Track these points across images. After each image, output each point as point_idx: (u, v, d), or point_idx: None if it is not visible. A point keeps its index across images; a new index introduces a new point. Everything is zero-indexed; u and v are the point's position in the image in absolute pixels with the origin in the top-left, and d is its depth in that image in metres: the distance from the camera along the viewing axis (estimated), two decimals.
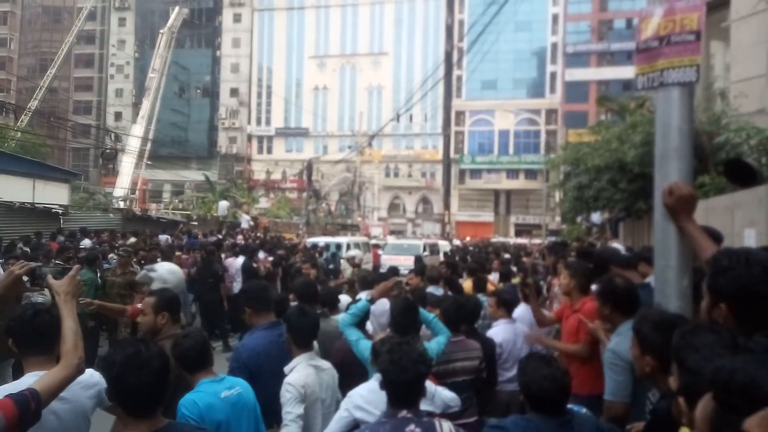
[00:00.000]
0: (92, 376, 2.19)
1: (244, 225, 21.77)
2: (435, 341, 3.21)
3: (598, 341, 3.41)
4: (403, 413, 2.15)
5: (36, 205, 16.65)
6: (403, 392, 2.17)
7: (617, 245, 10.39)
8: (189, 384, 2.48)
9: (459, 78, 50.67)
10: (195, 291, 9.63)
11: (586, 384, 3.43)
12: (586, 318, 3.56)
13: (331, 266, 14.28)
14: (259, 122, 56.66)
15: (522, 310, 4.65)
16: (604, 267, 4.13)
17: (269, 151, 56.06)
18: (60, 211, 17.40)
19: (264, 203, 42.69)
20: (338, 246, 15.86)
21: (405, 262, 12.63)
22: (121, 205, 27.57)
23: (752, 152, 9.34)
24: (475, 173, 51.55)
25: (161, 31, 34.50)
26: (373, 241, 22.79)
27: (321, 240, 17.22)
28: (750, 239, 5.44)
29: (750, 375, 0.85)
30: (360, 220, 40.82)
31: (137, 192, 32.17)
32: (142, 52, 55.17)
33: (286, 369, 2.87)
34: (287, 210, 38.34)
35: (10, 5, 56.61)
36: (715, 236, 2.58)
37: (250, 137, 56.24)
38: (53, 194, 19.13)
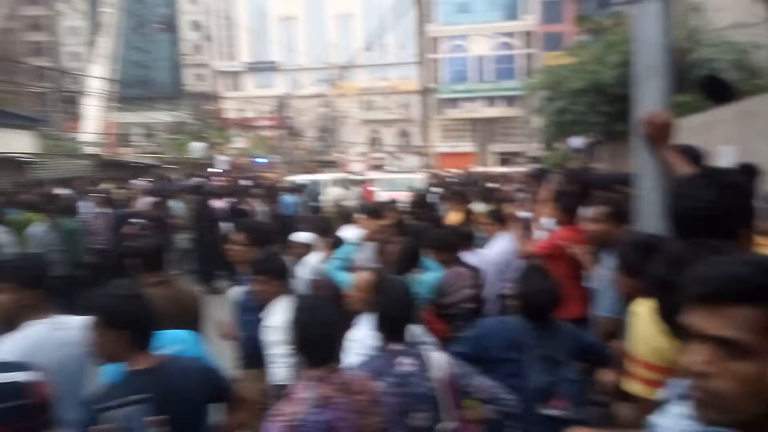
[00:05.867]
0: None
1: (221, 166, 21.36)
2: (429, 275, 3.49)
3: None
4: (394, 346, 2.21)
5: None
6: (394, 325, 2.24)
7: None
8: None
9: (432, 0, 48.65)
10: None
11: (571, 307, 3.57)
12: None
13: (314, 203, 14.26)
14: (224, 57, 54.23)
15: (503, 240, 4.67)
16: (585, 191, 4.17)
17: (239, 88, 54.10)
18: (26, 160, 16.71)
19: (239, 143, 41.70)
20: (320, 183, 15.72)
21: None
22: (91, 150, 26.67)
23: (728, 68, 9.30)
24: (453, 102, 50.69)
25: None
26: (360, 177, 22.45)
27: (301, 178, 17.00)
28: (728, 156, 5.51)
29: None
30: (338, 156, 40.28)
31: (107, 136, 31.01)
32: None
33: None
34: (265, 149, 37.56)
35: None
36: (695, 156, 2.57)
37: (218, 74, 54.01)
38: (13, 142, 17.93)
